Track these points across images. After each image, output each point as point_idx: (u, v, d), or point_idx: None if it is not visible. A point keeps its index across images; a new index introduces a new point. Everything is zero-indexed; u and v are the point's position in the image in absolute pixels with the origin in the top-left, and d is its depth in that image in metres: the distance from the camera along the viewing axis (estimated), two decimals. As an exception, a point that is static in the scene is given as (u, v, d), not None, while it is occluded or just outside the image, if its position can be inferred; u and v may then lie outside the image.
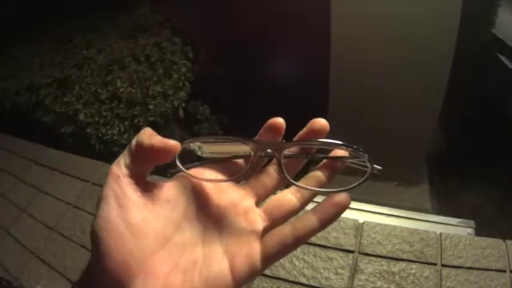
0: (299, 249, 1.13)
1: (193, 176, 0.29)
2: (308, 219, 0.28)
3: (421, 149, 1.95)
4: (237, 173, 0.30)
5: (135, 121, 1.84)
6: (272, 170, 0.31)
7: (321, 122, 0.29)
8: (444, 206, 1.79)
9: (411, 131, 1.87)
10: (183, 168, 0.29)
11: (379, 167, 0.28)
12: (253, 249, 0.27)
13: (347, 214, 1.22)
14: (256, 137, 0.31)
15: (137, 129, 1.83)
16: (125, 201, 0.26)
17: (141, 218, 0.26)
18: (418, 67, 1.76)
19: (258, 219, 0.29)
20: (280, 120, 0.30)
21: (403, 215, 1.26)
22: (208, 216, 0.29)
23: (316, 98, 1.96)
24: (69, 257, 1.32)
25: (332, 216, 0.28)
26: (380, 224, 1.15)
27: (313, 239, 1.13)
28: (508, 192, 1.66)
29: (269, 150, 0.29)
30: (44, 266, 1.33)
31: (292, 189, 0.30)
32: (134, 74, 2.01)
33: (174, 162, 0.29)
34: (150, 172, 0.28)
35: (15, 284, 1.28)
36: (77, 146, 1.84)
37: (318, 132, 0.29)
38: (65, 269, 1.29)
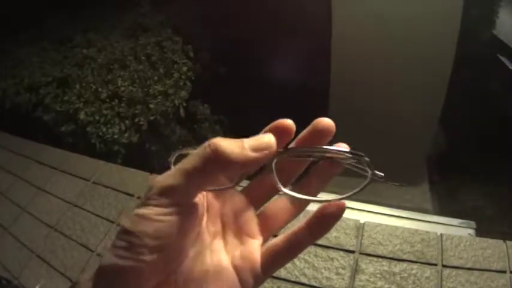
0: (300, 249, 1.12)
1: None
2: (301, 233, 0.27)
3: (421, 150, 1.95)
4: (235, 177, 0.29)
5: (136, 120, 1.84)
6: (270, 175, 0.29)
7: (325, 122, 0.27)
8: (445, 206, 1.79)
9: (412, 132, 1.87)
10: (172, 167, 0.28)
11: (381, 174, 0.26)
12: (256, 263, 0.27)
13: (348, 214, 1.21)
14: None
15: (138, 128, 1.83)
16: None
17: (165, 231, 0.24)
18: (419, 68, 1.76)
19: (258, 231, 0.29)
20: (288, 122, 0.27)
21: (404, 215, 1.26)
22: (215, 228, 0.29)
23: (316, 98, 1.96)
24: (69, 256, 1.32)
25: (325, 228, 0.27)
26: (381, 225, 1.15)
27: (313, 239, 1.13)
28: (509, 193, 1.66)
29: None
30: (43, 265, 1.32)
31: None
32: (135, 73, 2.01)
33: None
34: None
35: (14, 283, 1.28)
36: (77, 145, 1.84)
37: (322, 133, 0.27)
38: (65, 268, 1.29)
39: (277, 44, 2.25)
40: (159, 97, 1.92)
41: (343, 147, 0.27)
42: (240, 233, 0.28)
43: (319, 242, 1.13)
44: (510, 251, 1.02)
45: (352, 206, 1.28)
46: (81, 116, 1.83)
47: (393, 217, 1.25)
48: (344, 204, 0.27)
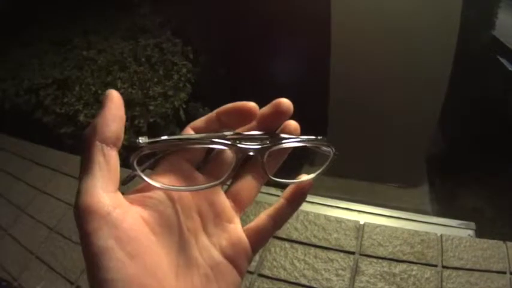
0: (300, 250, 1.13)
1: (161, 187, 0.25)
2: (283, 207, 0.29)
3: (421, 151, 1.95)
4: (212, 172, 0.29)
5: (136, 122, 1.84)
6: (251, 173, 0.30)
7: (286, 103, 0.28)
8: (444, 207, 1.79)
9: (411, 133, 1.87)
10: (141, 174, 0.25)
11: (337, 153, 0.30)
12: (247, 246, 0.28)
13: (348, 216, 1.22)
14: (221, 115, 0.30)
15: (137, 130, 1.82)
16: (134, 247, 0.21)
17: (153, 255, 0.23)
18: (419, 68, 1.76)
19: (234, 214, 0.29)
20: (250, 105, 0.27)
21: (403, 216, 1.26)
22: (194, 224, 0.27)
23: (316, 99, 1.96)
24: (69, 258, 1.32)
25: (301, 200, 0.30)
26: (381, 226, 1.15)
27: (314, 240, 1.13)
28: (508, 193, 1.66)
29: (252, 153, 0.27)
30: (43, 267, 1.32)
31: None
32: (135, 74, 2.01)
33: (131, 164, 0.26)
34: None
35: (14, 285, 1.28)
36: (77, 147, 1.83)
37: (282, 114, 0.28)
38: (65, 269, 1.29)
39: (277, 46, 2.25)
40: (159, 99, 1.92)
41: (293, 126, 0.29)
42: (219, 222, 0.28)
43: (319, 243, 1.13)
44: (510, 252, 1.02)
45: (351, 207, 1.28)
46: (81, 117, 1.83)
47: (393, 218, 1.25)
48: (311, 181, 0.30)
